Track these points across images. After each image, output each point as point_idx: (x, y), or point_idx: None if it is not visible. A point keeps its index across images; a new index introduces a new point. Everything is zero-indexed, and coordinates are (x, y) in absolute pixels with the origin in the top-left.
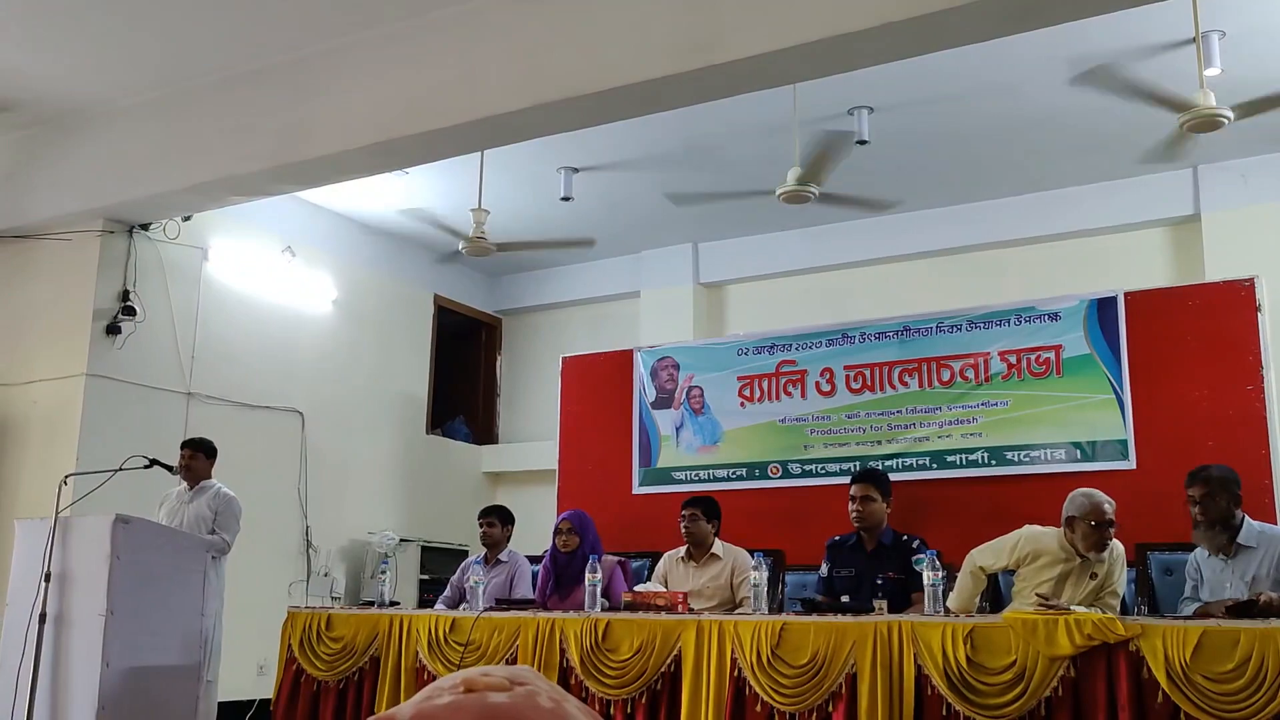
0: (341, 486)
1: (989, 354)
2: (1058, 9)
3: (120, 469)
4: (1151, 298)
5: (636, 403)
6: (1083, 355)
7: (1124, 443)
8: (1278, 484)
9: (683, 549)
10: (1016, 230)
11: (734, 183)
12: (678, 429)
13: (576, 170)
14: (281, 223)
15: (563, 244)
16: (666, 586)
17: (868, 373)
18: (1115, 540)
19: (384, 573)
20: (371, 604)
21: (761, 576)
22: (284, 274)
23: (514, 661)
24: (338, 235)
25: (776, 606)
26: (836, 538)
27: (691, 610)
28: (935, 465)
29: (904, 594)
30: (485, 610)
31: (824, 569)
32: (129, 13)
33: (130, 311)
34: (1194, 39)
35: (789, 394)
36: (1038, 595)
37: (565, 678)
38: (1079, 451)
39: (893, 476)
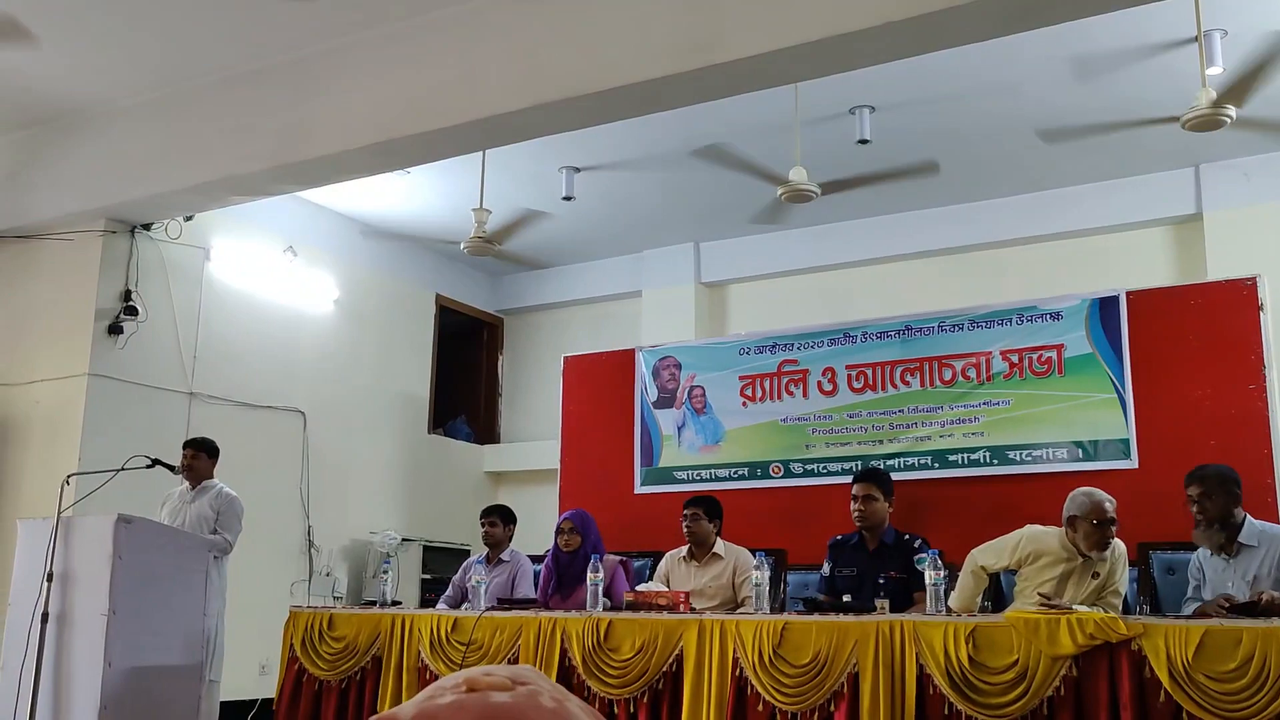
0: (343, 486)
1: (991, 353)
2: (1058, 8)
3: (122, 469)
4: (1153, 297)
5: (638, 402)
6: (1085, 355)
7: (1126, 442)
8: None
9: (684, 548)
10: (1018, 229)
11: (736, 182)
12: (679, 428)
13: (578, 170)
14: (283, 222)
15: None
16: (668, 586)
17: (869, 372)
18: (1117, 539)
19: (386, 572)
20: (373, 603)
21: (763, 576)
22: (286, 274)
23: (516, 661)
24: (339, 235)
25: (778, 606)
26: (838, 537)
27: (693, 610)
28: (937, 465)
29: (906, 593)
30: (487, 610)
31: (826, 568)
32: (129, 13)
33: (132, 311)
34: (1196, 38)
35: (791, 393)
36: (1040, 595)
37: (567, 677)
38: (1081, 451)
39: (894, 476)
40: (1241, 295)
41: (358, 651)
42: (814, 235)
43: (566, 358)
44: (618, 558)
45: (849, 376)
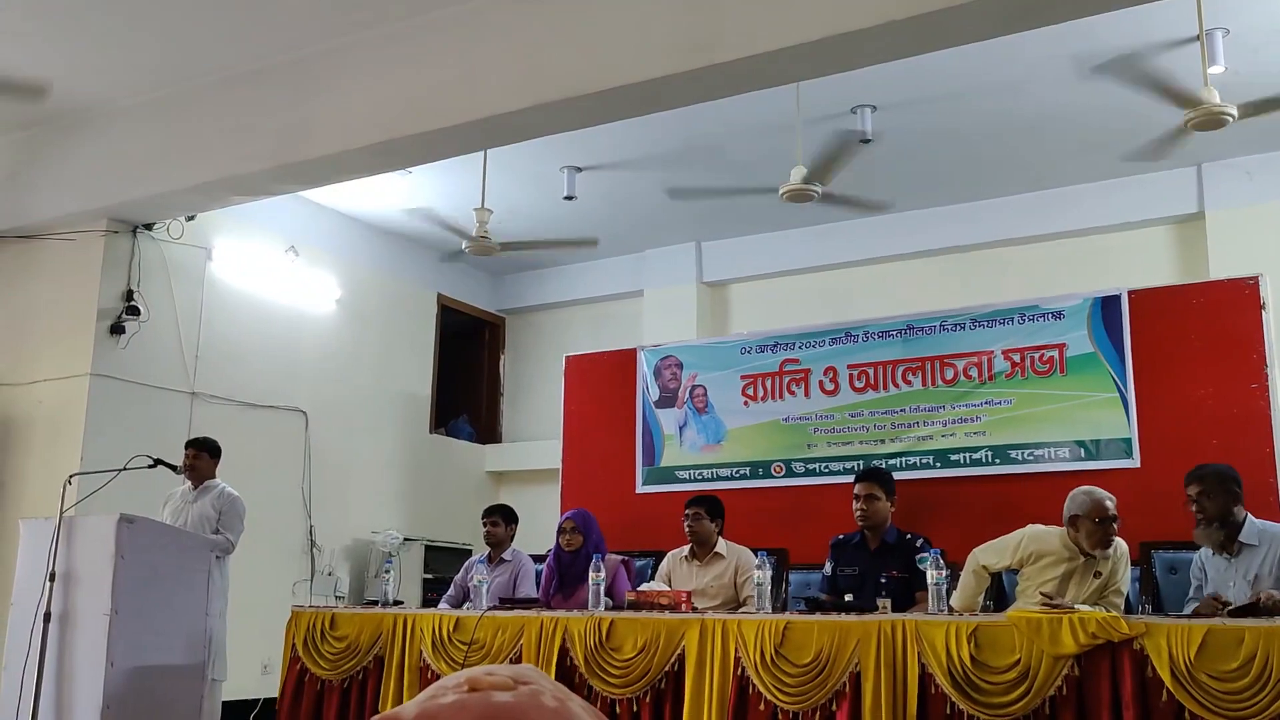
0: (345, 486)
1: (992, 352)
2: (1059, 8)
3: (124, 469)
4: (1155, 296)
5: (640, 402)
6: (1086, 354)
7: (1128, 441)
8: None
9: (686, 548)
10: (1020, 228)
11: (737, 181)
12: (681, 428)
13: (579, 170)
14: (285, 222)
15: (566, 243)
16: (670, 585)
17: (871, 371)
18: (1119, 539)
19: (388, 572)
20: (375, 603)
21: (765, 575)
22: (287, 273)
23: (518, 660)
24: (341, 235)
25: (780, 605)
26: (840, 536)
27: (695, 609)
28: (939, 464)
29: (908, 593)
30: (489, 609)
31: (828, 568)
32: (130, 13)
33: (134, 311)
34: (1198, 36)
35: (792, 393)
36: (1041, 594)
37: (569, 677)
38: (1083, 450)
39: (896, 475)
40: (1243, 294)
41: (360, 651)
42: (815, 235)
43: (568, 357)
44: (619, 557)
45: (850, 376)
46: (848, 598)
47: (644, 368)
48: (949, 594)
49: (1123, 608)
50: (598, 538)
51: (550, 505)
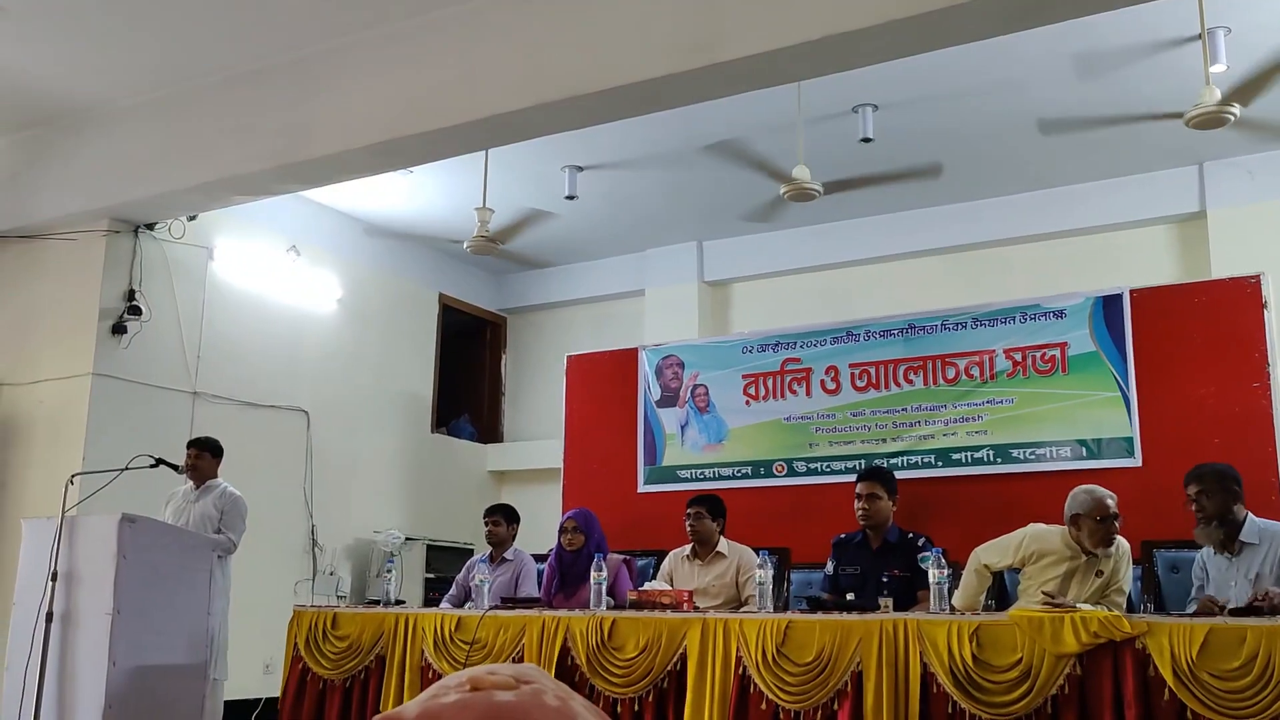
0: (347, 485)
1: (994, 352)
2: (1060, 7)
3: (126, 468)
4: (1157, 295)
5: (641, 401)
6: (1088, 353)
7: (1130, 440)
8: None
9: (688, 547)
10: (1021, 227)
11: (738, 180)
12: (683, 427)
13: (581, 169)
14: (286, 222)
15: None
16: (672, 585)
17: (873, 370)
18: (1121, 538)
19: (389, 571)
20: (377, 603)
21: (767, 575)
22: (289, 273)
23: (519, 660)
24: (342, 234)
25: (782, 604)
26: (842, 536)
27: (697, 609)
28: (940, 463)
29: (909, 592)
30: (491, 609)
31: (829, 567)
32: (131, 13)
33: (136, 311)
34: (1200, 35)
35: (794, 392)
36: (1043, 593)
37: (571, 676)
38: (1085, 449)
39: (898, 474)
40: (1245, 293)
41: (361, 651)
42: (817, 234)
43: (569, 357)
44: (621, 557)
45: (852, 375)
46: (849, 597)
47: (645, 367)
48: (951, 593)
49: (1125, 607)
50: (599, 537)
51: (552, 505)
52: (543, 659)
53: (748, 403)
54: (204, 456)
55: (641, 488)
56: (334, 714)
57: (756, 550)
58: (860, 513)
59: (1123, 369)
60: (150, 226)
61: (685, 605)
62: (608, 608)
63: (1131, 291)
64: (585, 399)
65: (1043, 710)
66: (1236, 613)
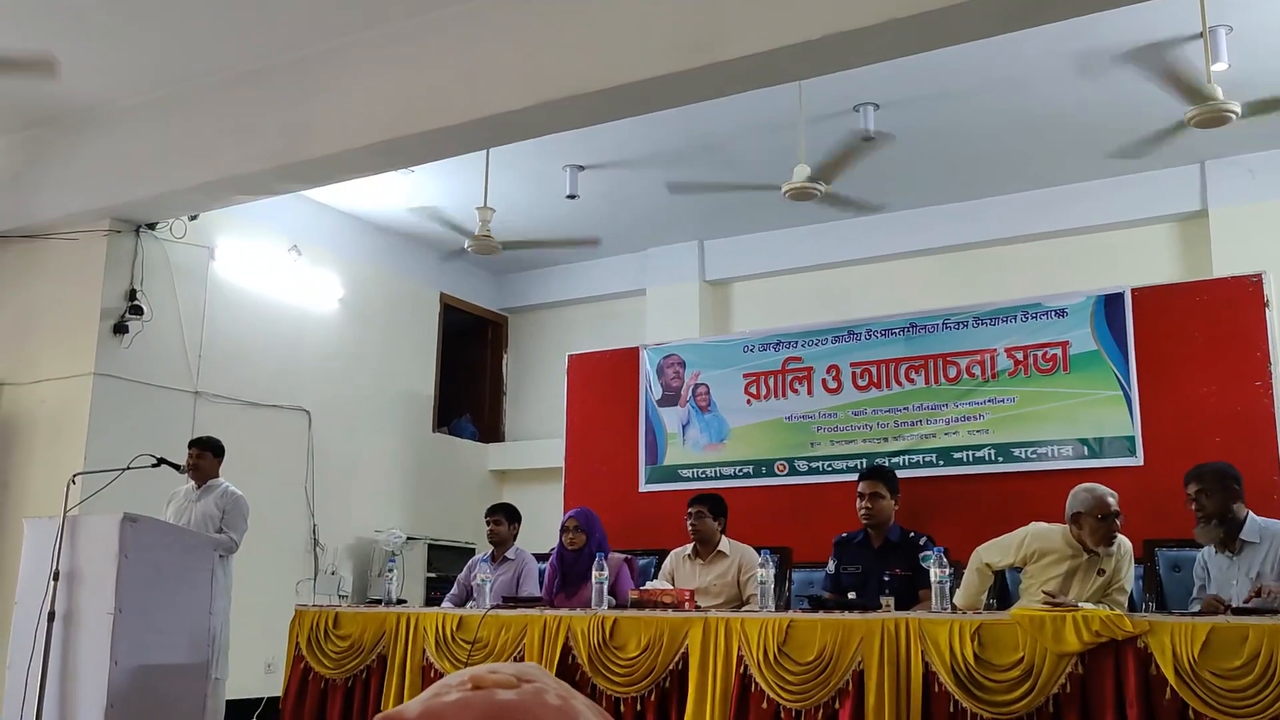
0: (348, 485)
1: (995, 350)
2: (1062, 5)
3: (128, 468)
4: (1159, 294)
5: (643, 400)
6: (1090, 352)
7: (1131, 439)
8: None
9: (689, 546)
10: (1023, 226)
11: (739, 180)
12: (684, 426)
13: (582, 168)
14: (287, 222)
15: (568, 243)
16: (673, 584)
17: (874, 370)
18: (1123, 537)
19: (391, 571)
20: (378, 602)
21: (768, 574)
22: (290, 273)
23: (521, 659)
24: (343, 234)
25: (783, 604)
26: (843, 535)
27: (698, 608)
28: (942, 462)
29: (911, 591)
30: (492, 608)
31: (831, 566)
32: (132, 13)
33: (137, 311)
34: (1201, 34)
35: (795, 391)
36: (1044, 592)
37: (572, 676)
38: (1086, 448)
39: (899, 474)
40: (1247, 292)
41: (363, 650)
42: (818, 233)
43: (571, 356)
44: (622, 556)
45: (853, 374)
46: (851, 596)
47: (647, 366)
48: (952, 592)
49: (1126, 605)
50: (601, 536)
51: (553, 504)
52: (544, 658)
53: (749, 402)
54: (205, 456)
55: (643, 487)
56: (336, 713)
57: (758, 549)
58: (863, 512)
59: (1124, 368)
60: (151, 226)
61: (687, 604)
62: (609, 607)
63: (1133, 290)
64: (586, 398)
65: (1044, 709)
66: (1239, 611)
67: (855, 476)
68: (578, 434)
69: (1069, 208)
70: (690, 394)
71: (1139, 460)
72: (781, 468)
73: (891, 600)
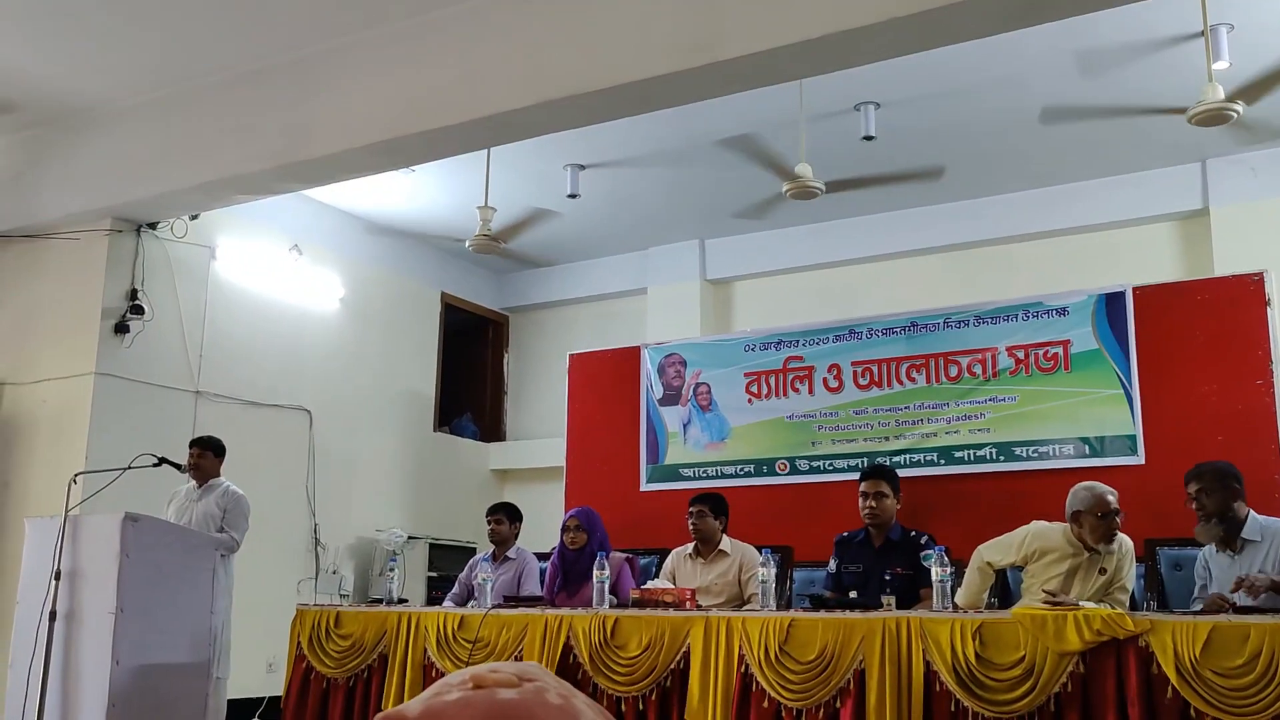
0: (349, 484)
1: (997, 349)
2: (1062, 4)
3: (129, 467)
4: (1160, 292)
5: (644, 399)
6: (1091, 350)
7: (1133, 438)
8: None
9: (690, 546)
10: (1024, 225)
11: (740, 179)
12: (685, 426)
13: (583, 167)
14: (288, 221)
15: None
16: (674, 583)
17: (875, 369)
18: (1124, 535)
19: (392, 570)
20: (380, 601)
21: (769, 573)
22: (291, 272)
23: (522, 658)
24: (344, 233)
25: (784, 603)
26: (845, 534)
27: (699, 607)
28: (943, 461)
29: (912, 590)
30: (493, 607)
31: (832, 565)
32: (132, 13)
33: (138, 310)
34: (1202, 32)
35: (796, 390)
36: (1044, 591)
37: (573, 675)
38: (1088, 447)
39: (901, 473)
40: (1248, 290)
41: (364, 649)
42: (819, 232)
43: (572, 355)
44: (624, 555)
45: (854, 373)
46: (852, 595)
47: (648, 365)
48: (954, 591)
49: (1128, 604)
50: (602, 536)
51: (554, 503)
52: (545, 658)
53: (750, 401)
54: (206, 456)
55: (644, 486)
56: (337, 712)
57: (759, 548)
58: (867, 511)
59: (1125, 366)
60: (152, 226)
61: (688, 604)
62: (610, 606)
63: (1134, 289)
64: (587, 397)
65: (1045, 708)
66: (1242, 610)
67: (856, 476)
68: (579, 433)
69: (1070, 206)
70: (691, 393)
71: (1140, 459)
72: (783, 467)
73: (893, 599)
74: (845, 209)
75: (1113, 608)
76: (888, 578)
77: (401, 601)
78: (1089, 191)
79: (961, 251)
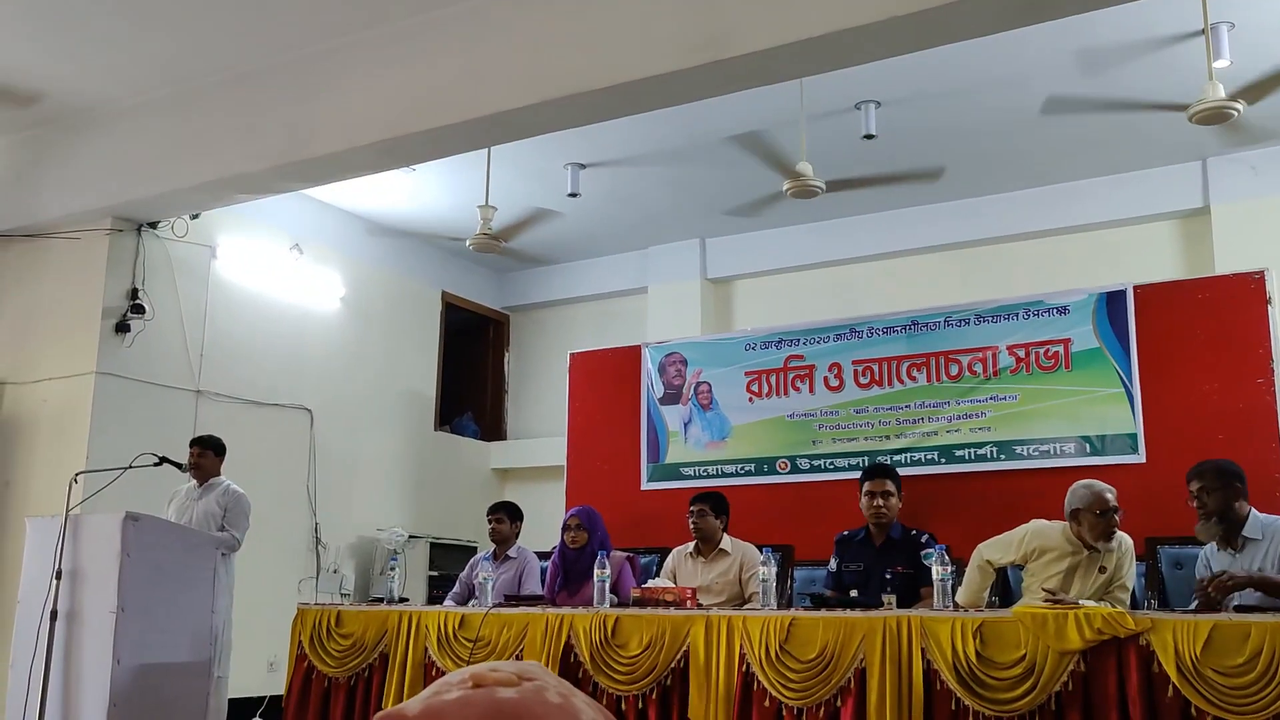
0: (350, 483)
1: (997, 348)
2: (1063, 2)
3: (130, 467)
4: (1161, 291)
5: (644, 398)
6: (1092, 349)
7: (1133, 436)
8: None
9: (691, 544)
10: (1025, 224)
11: (741, 177)
12: (686, 425)
13: (584, 166)
14: (289, 220)
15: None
16: (675, 582)
17: (876, 367)
18: (1124, 534)
19: (393, 569)
20: (380, 600)
21: (770, 572)
22: (292, 271)
23: (522, 658)
24: (345, 232)
25: (785, 602)
26: (845, 532)
27: (700, 606)
28: (944, 460)
29: (913, 589)
30: (494, 606)
31: (833, 564)
32: (134, 12)
33: (139, 310)
34: (1203, 30)
35: (797, 389)
36: (1044, 590)
37: (574, 674)
38: (1088, 445)
39: (901, 471)
40: (1249, 289)
41: (365, 648)
42: (819, 230)
43: (573, 354)
44: (624, 554)
45: (855, 372)
46: (853, 594)
47: (648, 364)
48: (954, 590)
49: (1128, 603)
50: (603, 535)
51: (555, 502)
52: (546, 657)
53: (751, 400)
54: (207, 455)
55: (644, 485)
56: (338, 711)
57: (760, 547)
58: (874, 510)
59: (1126, 365)
60: (153, 225)
61: (688, 603)
62: (611, 605)
63: (1135, 288)
64: (588, 396)
65: (1046, 707)
66: (1242, 609)
67: (857, 475)
68: (579, 432)
69: (1070, 205)
70: (692, 392)
71: (1141, 458)
72: (783, 466)
73: (893, 598)
74: (846, 208)
75: (1113, 606)
76: (888, 576)
77: (402, 601)
78: (1089, 190)
79: (962, 250)
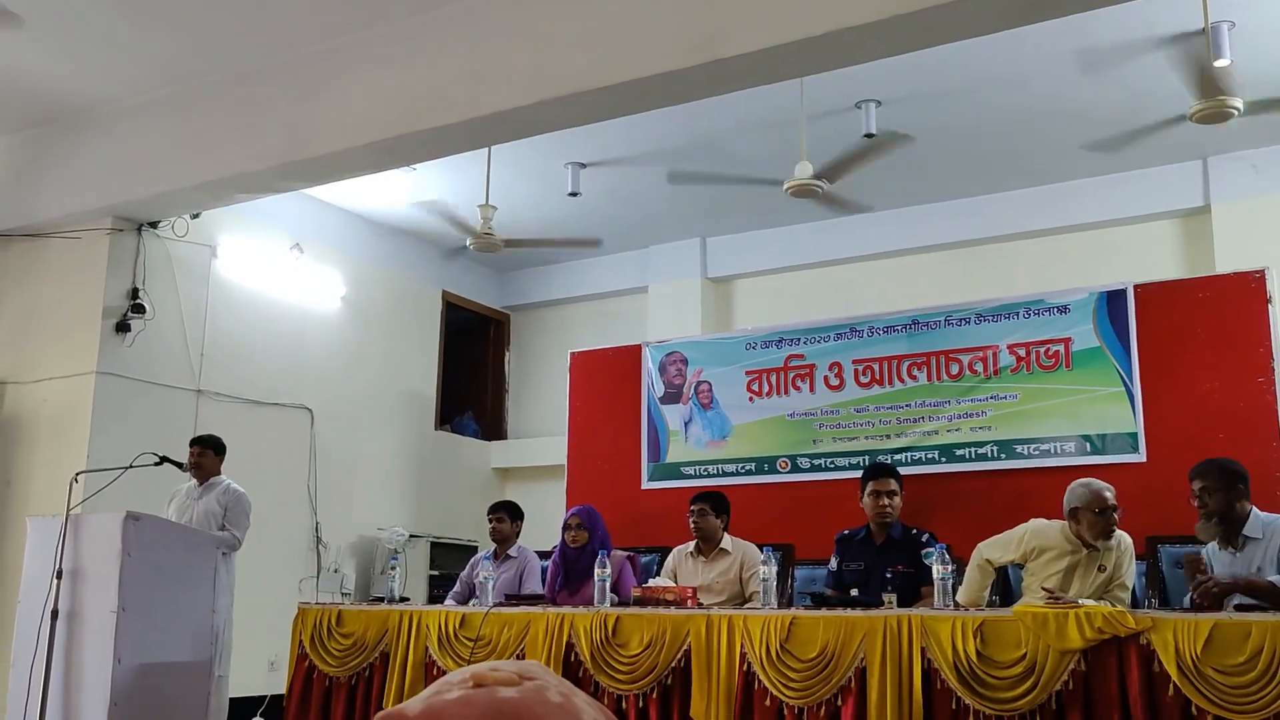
0: (351, 482)
1: (998, 347)
2: (1063, 1)
3: (130, 466)
4: (1161, 290)
5: (645, 398)
6: (1092, 348)
7: (1134, 435)
8: None
9: (692, 544)
10: (1025, 223)
11: (742, 177)
12: (686, 424)
13: (584, 165)
14: (290, 220)
15: (569, 243)
16: (676, 581)
17: (876, 367)
18: (1123, 532)
19: (394, 568)
20: (381, 600)
21: (770, 571)
22: (292, 271)
23: (523, 657)
24: (346, 232)
25: (785, 601)
26: (846, 531)
27: (701, 605)
28: (944, 459)
29: (913, 588)
30: (495, 606)
31: (833, 563)
32: (134, 12)
33: (139, 309)
34: (1204, 30)
35: (797, 388)
36: (1044, 589)
37: (575, 673)
38: (1089, 444)
39: (902, 470)
40: (1249, 288)
41: (366, 648)
42: (820, 230)
43: (573, 354)
44: (625, 553)
45: (856, 371)
46: (853, 593)
47: (649, 364)
48: (954, 589)
49: (1129, 602)
50: (603, 534)
51: (556, 501)
52: (547, 656)
53: (751, 399)
54: (207, 454)
55: (645, 484)
56: (339, 711)
57: (760, 546)
58: (878, 510)
59: (1127, 364)
60: (154, 225)
61: (689, 602)
62: (611, 604)
63: (1136, 287)
64: (589, 396)
65: (1047, 706)
66: (1242, 609)
67: (858, 474)
68: (580, 431)
69: (1071, 204)
70: (692, 391)
71: (1142, 457)
72: (784, 465)
73: (894, 597)
74: (846, 207)
75: (1113, 605)
76: (889, 576)
77: (403, 600)
78: (1090, 189)
79: (963, 249)
